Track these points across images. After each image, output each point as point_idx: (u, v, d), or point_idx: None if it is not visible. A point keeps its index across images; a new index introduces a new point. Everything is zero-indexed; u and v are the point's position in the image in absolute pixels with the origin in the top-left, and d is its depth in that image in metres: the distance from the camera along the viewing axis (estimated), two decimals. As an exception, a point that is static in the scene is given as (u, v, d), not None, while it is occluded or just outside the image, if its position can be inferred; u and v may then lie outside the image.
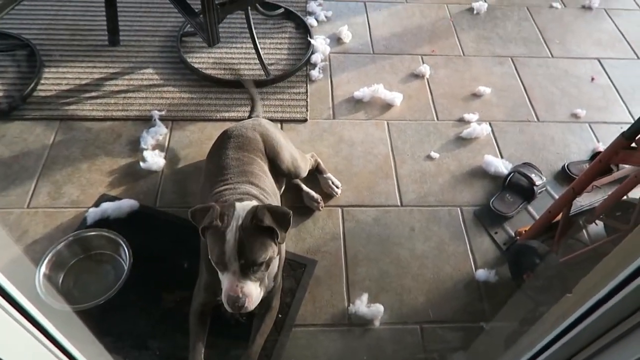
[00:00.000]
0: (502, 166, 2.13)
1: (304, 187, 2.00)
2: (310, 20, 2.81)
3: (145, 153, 2.11)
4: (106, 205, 1.90)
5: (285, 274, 1.76)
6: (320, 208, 1.98)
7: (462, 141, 2.28)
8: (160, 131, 2.23)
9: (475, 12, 2.97)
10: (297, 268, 1.81)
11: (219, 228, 1.34)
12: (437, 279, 1.81)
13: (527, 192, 2.03)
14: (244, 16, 2.46)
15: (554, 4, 3.08)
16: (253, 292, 1.36)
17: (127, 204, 1.92)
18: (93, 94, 2.39)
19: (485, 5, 2.98)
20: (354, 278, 1.80)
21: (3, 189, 2.01)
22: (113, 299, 1.62)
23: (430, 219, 1.99)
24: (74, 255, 1.78)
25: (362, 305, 1.70)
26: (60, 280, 1.73)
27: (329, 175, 2.04)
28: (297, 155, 1.93)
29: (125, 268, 1.69)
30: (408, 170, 2.16)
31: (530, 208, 2.03)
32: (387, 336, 1.66)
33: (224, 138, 1.82)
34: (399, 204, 2.04)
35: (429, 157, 2.21)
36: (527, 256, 1.75)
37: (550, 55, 2.74)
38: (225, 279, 1.36)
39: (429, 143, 2.26)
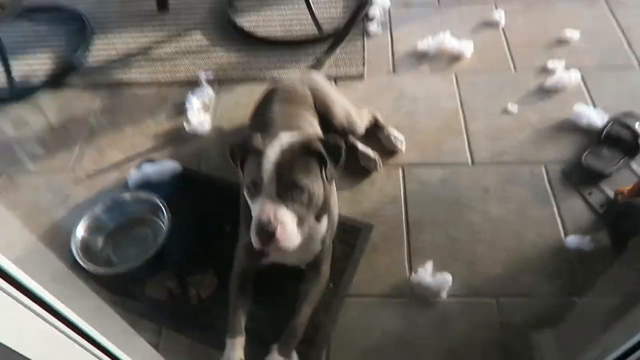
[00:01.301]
0: (596, 117, 1.79)
1: (360, 146, 1.77)
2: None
3: (190, 115, 1.98)
4: (147, 168, 1.78)
5: (337, 240, 1.55)
6: (379, 168, 1.74)
7: (545, 92, 1.95)
8: (207, 93, 2.09)
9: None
10: (351, 233, 1.59)
11: (259, 150, 1.18)
12: (518, 247, 1.52)
13: (629, 146, 1.67)
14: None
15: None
16: (288, 221, 1.14)
17: (170, 166, 1.79)
18: (140, 60, 2.30)
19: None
20: (417, 245, 1.56)
21: (48, 155, 1.95)
22: (151, 263, 1.49)
23: (508, 179, 1.70)
24: (113, 220, 1.67)
25: (426, 274, 1.45)
26: (100, 246, 1.63)
27: (390, 129, 1.81)
28: (352, 110, 1.71)
29: (164, 231, 1.55)
30: (480, 126, 1.87)
31: (633, 164, 1.67)
32: (455, 310, 1.41)
33: (270, 92, 1.65)
34: (469, 162, 1.76)
35: (506, 111, 1.90)
36: (632, 218, 1.43)
37: (653, -5, 2.31)
38: (257, 205, 1.16)
39: (505, 96, 1.95)
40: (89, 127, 2.04)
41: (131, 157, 1.89)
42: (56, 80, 2.23)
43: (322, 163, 1.20)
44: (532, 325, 1.35)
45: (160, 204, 1.62)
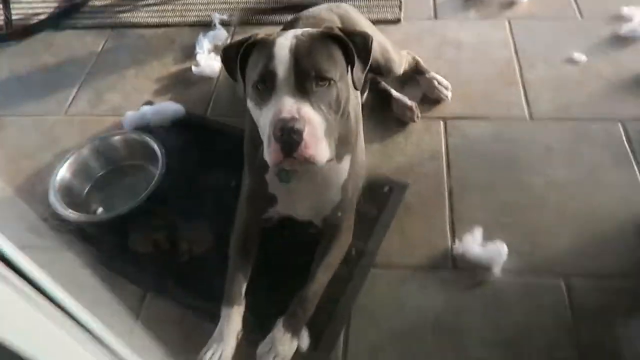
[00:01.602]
0: (688, 67, 1.46)
1: (394, 92, 1.49)
2: None
3: (199, 57, 1.73)
4: (146, 109, 1.54)
5: (363, 198, 1.27)
6: (416, 118, 1.46)
7: (620, 41, 1.63)
8: (220, 35, 1.83)
9: None
10: (380, 191, 1.32)
11: (267, 40, 0.94)
12: (592, 217, 1.22)
13: None
14: None
15: None
16: (314, 118, 0.88)
17: (171, 107, 1.54)
18: (149, 1, 2.05)
19: None
20: (462, 209, 1.27)
21: (42, 96, 1.73)
22: (137, 213, 1.24)
23: (576, 137, 1.39)
24: (102, 166, 1.43)
25: (474, 243, 1.17)
26: (85, 192, 1.39)
27: (433, 74, 1.52)
28: (389, 46, 1.42)
29: (155, 177, 1.30)
30: (539, 76, 1.56)
31: None
32: (511, 289, 1.12)
33: (292, 20, 1.38)
34: (526, 116, 1.46)
35: (571, 60, 1.59)
36: None
37: None
38: (272, 104, 0.90)
39: (570, 44, 1.63)
40: (88, 68, 1.80)
41: (131, 100, 1.65)
42: (57, 20, 2.02)
43: (348, 60, 0.97)
44: (614, 312, 1.05)
45: (156, 148, 1.37)
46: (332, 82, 0.91)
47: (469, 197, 1.29)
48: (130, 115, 1.53)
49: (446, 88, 1.50)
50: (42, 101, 1.71)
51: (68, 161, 1.36)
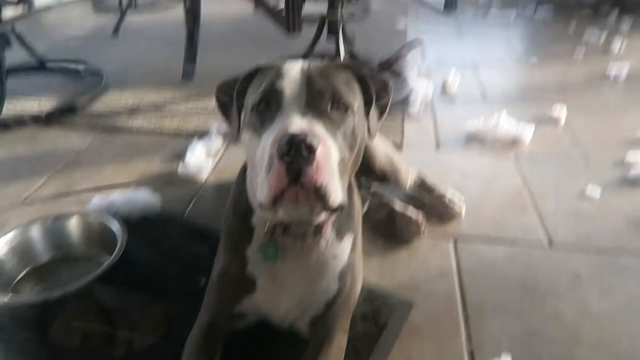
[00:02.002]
0: None
1: (397, 205, 1.35)
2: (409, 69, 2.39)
3: (189, 158, 1.62)
4: (115, 196, 1.36)
5: (358, 314, 1.04)
6: (422, 232, 1.29)
7: (631, 182, 1.56)
8: (215, 143, 1.75)
9: (612, 76, 2.42)
10: (379, 308, 1.08)
11: (272, 65, 0.79)
12: (637, 353, 0.98)
13: None
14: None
15: None
16: (328, 140, 0.69)
17: (144, 197, 1.37)
18: (149, 112, 2.03)
19: (626, 69, 2.43)
20: (482, 337, 1.02)
21: (5, 181, 1.56)
22: (72, 300, 0.98)
23: (606, 267, 1.21)
24: (48, 253, 1.20)
25: (500, 376, 0.90)
26: (20, 276, 1.14)
27: (443, 190, 1.40)
28: (396, 156, 1.34)
29: (104, 265, 1.07)
30: (553, 206, 1.44)
31: None
32: None
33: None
34: (545, 243, 1.30)
35: (584, 195, 1.49)
36: None
37: None
38: (276, 124, 0.70)
39: (580, 181, 1.56)
40: (65, 163, 1.67)
41: (102, 192, 1.48)
42: (49, 118, 1.96)
43: (366, 99, 0.83)
44: None
45: (117, 235, 1.16)
46: (349, 109, 0.75)
47: (488, 322, 1.05)
48: (97, 202, 1.35)
49: (459, 204, 1.37)
50: (5, 186, 1.54)
51: (6, 237, 1.13)
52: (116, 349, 0.89)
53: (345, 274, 0.89)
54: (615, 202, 1.46)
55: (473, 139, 1.82)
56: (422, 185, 1.41)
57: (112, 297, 1.02)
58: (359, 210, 0.98)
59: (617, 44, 2.82)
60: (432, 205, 1.39)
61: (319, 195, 0.67)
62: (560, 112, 1.96)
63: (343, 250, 0.88)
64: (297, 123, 0.67)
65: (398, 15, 3.41)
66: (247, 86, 0.82)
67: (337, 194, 0.69)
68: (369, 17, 3.43)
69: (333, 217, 0.84)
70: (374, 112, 0.83)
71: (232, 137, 0.85)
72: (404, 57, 2.29)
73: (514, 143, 1.79)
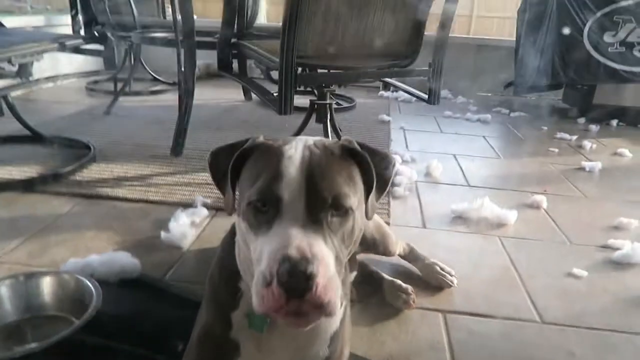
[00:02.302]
0: (698, 290, 1.36)
1: (386, 275, 1.32)
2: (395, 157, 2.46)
3: (172, 227, 1.58)
4: (93, 258, 1.31)
5: (347, 385, 0.97)
6: (412, 303, 1.25)
7: (615, 264, 1.57)
8: (200, 213, 1.73)
9: (587, 170, 2.54)
10: (369, 379, 1.01)
11: (271, 147, 0.76)
12: None
13: None
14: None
15: (684, 173, 2.59)
16: (327, 257, 0.65)
17: (123, 259, 1.31)
18: (134, 183, 2.02)
19: (599, 164, 2.55)
20: (477, 411, 0.95)
21: (-23, 243, 1.49)
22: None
23: (600, 345, 1.18)
24: (16, 313, 1.12)
25: None
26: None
27: (433, 260, 1.38)
28: (384, 225, 1.34)
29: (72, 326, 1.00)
30: (542, 284, 1.43)
31: None
32: None
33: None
34: (537, 319, 1.27)
35: (572, 275, 1.49)
36: None
37: None
38: (274, 233, 0.67)
39: (567, 262, 1.56)
40: (43, 226, 1.62)
41: (80, 253, 1.42)
42: (30, 185, 1.92)
43: (367, 182, 0.78)
44: None
45: (93, 295, 1.10)
46: (350, 210, 0.71)
47: (484, 398, 0.99)
48: (72, 264, 1.29)
49: (449, 274, 1.35)
50: (-24, 248, 1.47)
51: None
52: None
53: (336, 340, 0.84)
54: (602, 283, 1.45)
55: (458, 219, 1.84)
56: (412, 253, 1.40)
57: (83, 356, 0.93)
58: (348, 277, 0.95)
59: (588, 144, 2.98)
60: (424, 273, 1.38)
61: (319, 309, 0.64)
62: (541, 199, 2.01)
63: (335, 317, 0.83)
64: (296, 242, 0.64)
65: (381, 110, 3.59)
66: (243, 163, 0.78)
67: (337, 302, 0.65)
68: (354, 109, 3.60)
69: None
70: (374, 194, 0.78)
71: (226, 208, 0.79)
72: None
73: (498, 224, 1.81)
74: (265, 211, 0.69)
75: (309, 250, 0.63)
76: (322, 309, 0.64)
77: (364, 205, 0.77)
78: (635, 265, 1.56)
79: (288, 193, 0.68)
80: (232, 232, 0.87)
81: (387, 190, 0.83)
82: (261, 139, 0.79)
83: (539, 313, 1.29)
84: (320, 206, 0.68)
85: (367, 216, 0.78)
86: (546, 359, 1.12)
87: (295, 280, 0.61)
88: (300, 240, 0.64)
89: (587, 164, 2.56)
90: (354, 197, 0.72)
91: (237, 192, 0.78)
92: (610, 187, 2.31)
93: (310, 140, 0.77)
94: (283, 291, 0.62)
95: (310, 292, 0.62)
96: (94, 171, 2.11)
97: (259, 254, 0.68)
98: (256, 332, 0.80)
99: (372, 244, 1.27)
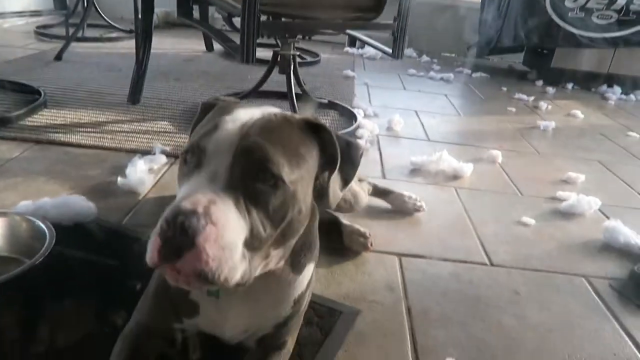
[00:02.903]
0: (633, 236, 1.45)
1: (344, 221, 1.34)
2: (357, 112, 2.47)
3: (129, 171, 1.55)
4: (45, 200, 1.27)
5: (304, 321, 0.99)
6: (370, 246, 1.28)
7: (563, 214, 1.65)
8: (158, 160, 1.70)
9: (542, 128, 2.62)
10: (325, 315, 1.04)
11: (227, 106, 0.71)
12: (579, 363, 1.00)
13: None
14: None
15: (630, 134, 2.72)
16: (229, 227, 0.59)
17: (78, 203, 1.28)
18: (89, 129, 1.95)
19: (553, 124, 2.64)
20: (427, 342, 1.01)
21: None
22: None
23: (543, 285, 1.25)
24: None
25: (447, 377, 0.88)
26: None
27: (400, 191, 1.51)
28: (355, 186, 1.36)
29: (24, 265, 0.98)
30: (493, 231, 1.49)
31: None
32: None
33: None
34: (487, 262, 1.33)
35: (521, 223, 1.56)
36: None
37: (647, 165, 2.25)
38: (186, 186, 0.62)
39: (517, 211, 1.63)
40: (-10, 170, 1.55)
41: (30, 198, 1.37)
42: (-24, 130, 1.82)
43: (328, 162, 0.72)
44: None
45: (45, 232, 1.07)
46: (280, 182, 0.63)
47: (433, 331, 1.04)
48: (23, 206, 1.25)
49: (417, 200, 1.49)
50: None
51: None
52: (36, 345, 0.79)
53: (301, 299, 0.84)
54: (548, 230, 1.53)
55: (417, 171, 1.88)
56: (378, 190, 1.49)
57: (34, 296, 0.92)
58: (316, 240, 0.88)
59: (544, 105, 3.07)
60: (395, 205, 1.51)
61: (198, 279, 0.57)
62: (497, 154, 2.08)
63: (302, 282, 0.82)
64: (196, 195, 0.59)
65: (346, 66, 3.56)
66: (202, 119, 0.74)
67: (229, 276, 0.59)
68: (319, 64, 3.56)
69: (287, 256, 0.76)
70: (336, 177, 0.73)
71: None
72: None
73: (454, 176, 1.86)
74: (190, 164, 0.65)
75: (203, 206, 0.57)
76: (199, 275, 0.57)
77: (310, 188, 0.71)
78: (579, 215, 1.64)
79: (213, 146, 0.63)
80: None
81: (350, 182, 0.77)
82: (228, 99, 0.77)
83: (489, 256, 1.35)
84: (244, 167, 0.62)
85: (328, 203, 0.74)
86: (493, 296, 1.18)
87: (171, 231, 0.56)
88: (202, 195, 0.59)
89: (542, 123, 2.64)
90: (292, 171, 0.65)
91: None
92: (562, 145, 2.40)
93: (277, 110, 0.72)
94: (159, 244, 0.57)
95: (187, 251, 0.56)
96: (45, 117, 2.02)
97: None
98: (213, 297, 0.76)
99: (343, 205, 1.29)
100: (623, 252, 1.43)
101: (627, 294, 1.22)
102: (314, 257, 0.85)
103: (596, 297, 1.22)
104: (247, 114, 0.68)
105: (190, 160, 0.64)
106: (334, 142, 0.71)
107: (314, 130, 0.71)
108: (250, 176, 0.62)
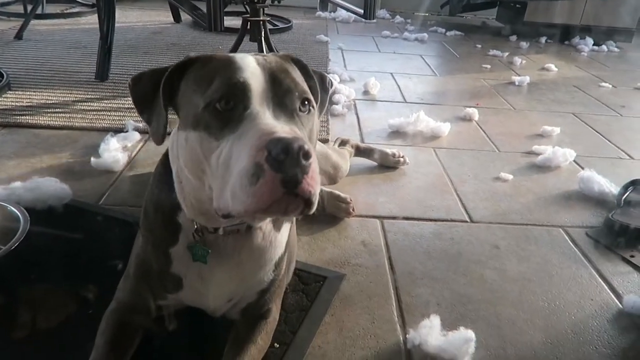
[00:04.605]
0: (607, 185, 1.48)
1: (325, 188, 1.34)
2: (332, 77, 2.44)
3: (102, 150, 1.51)
4: (17, 184, 1.23)
5: (289, 288, 1.01)
6: (351, 211, 1.29)
7: (538, 168, 1.68)
8: (132, 137, 1.66)
9: (517, 84, 2.63)
10: (310, 282, 1.05)
11: (215, 56, 0.69)
12: (558, 309, 1.03)
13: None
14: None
15: (603, 84, 2.75)
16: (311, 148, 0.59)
17: (51, 186, 1.25)
18: (57, 110, 1.89)
19: (528, 79, 2.65)
20: (411, 300, 1.03)
21: None
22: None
23: (521, 238, 1.28)
24: None
25: (432, 332, 0.90)
26: None
27: (381, 148, 1.58)
28: (330, 151, 1.35)
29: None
30: (472, 189, 1.51)
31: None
32: (488, 391, 0.83)
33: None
34: (467, 219, 1.35)
35: (499, 179, 1.58)
36: None
37: (619, 115, 2.29)
38: (246, 126, 0.60)
39: (495, 168, 1.65)
40: (-44, 157, 1.50)
41: (1, 183, 1.33)
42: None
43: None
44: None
45: (18, 217, 1.04)
46: (312, 109, 0.68)
47: (417, 289, 1.06)
48: (-4, 191, 1.21)
49: (400, 155, 1.57)
50: None
51: None
52: (17, 331, 0.78)
53: (281, 261, 0.84)
54: (526, 184, 1.55)
55: (395, 134, 1.88)
56: (360, 150, 1.55)
57: (14, 281, 0.90)
58: None
59: (519, 60, 3.07)
60: (380, 161, 1.58)
61: (307, 203, 0.59)
62: (473, 112, 2.08)
63: (280, 241, 0.83)
64: (279, 126, 0.59)
65: (319, 31, 3.50)
66: (179, 79, 0.70)
67: (317, 199, 0.61)
68: (291, 30, 3.49)
69: None
70: (317, 108, 0.74)
71: (156, 136, 0.71)
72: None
73: (432, 137, 1.86)
74: (230, 107, 0.62)
75: (296, 134, 0.58)
76: (309, 202, 0.59)
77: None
78: (555, 167, 1.67)
79: (255, 82, 0.63)
80: (163, 166, 0.80)
81: (324, 109, 0.81)
82: (205, 54, 0.71)
83: (469, 214, 1.37)
84: (289, 98, 0.64)
85: (321, 109, 0.79)
86: (474, 252, 1.20)
87: (290, 160, 0.55)
88: (285, 127, 0.59)
89: (516, 79, 2.65)
90: (309, 91, 0.69)
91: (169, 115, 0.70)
92: (537, 100, 2.42)
93: (252, 53, 0.72)
94: (279, 177, 0.55)
95: (307, 176, 0.57)
96: (9, 99, 1.94)
97: (226, 156, 0.60)
98: (198, 264, 0.77)
99: (327, 178, 1.29)
100: (598, 200, 1.47)
101: (603, 242, 1.26)
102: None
103: (573, 246, 1.25)
104: (250, 58, 0.67)
105: (232, 104, 0.62)
106: (312, 74, 0.76)
107: (296, 65, 0.75)
108: (295, 107, 0.65)
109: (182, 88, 0.70)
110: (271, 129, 0.58)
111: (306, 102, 0.66)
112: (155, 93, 0.70)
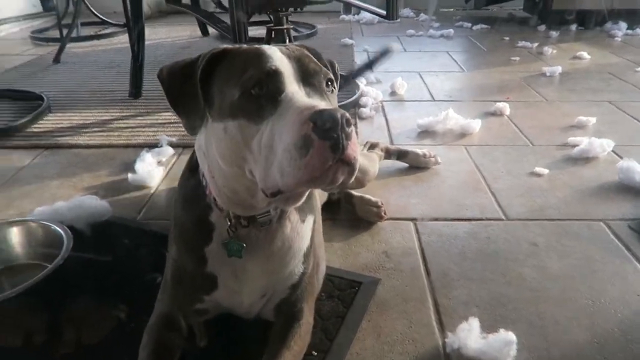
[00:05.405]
0: (649, 174, 1.43)
1: (355, 193, 1.34)
2: (359, 80, 2.44)
3: (138, 166, 1.56)
4: (60, 204, 1.29)
5: (325, 294, 1.01)
6: (383, 215, 1.28)
7: (575, 160, 1.63)
8: (166, 152, 1.71)
9: (548, 74, 2.56)
10: (345, 288, 1.05)
11: (243, 48, 0.73)
12: (602, 306, 1.00)
13: None
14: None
15: (639, 69, 2.65)
16: None
17: (92, 203, 1.30)
18: (95, 129, 1.96)
19: (559, 68, 2.58)
20: (448, 303, 1.02)
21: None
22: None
23: (560, 234, 1.25)
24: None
25: (471, 335, 0.89)
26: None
27: (414, 149, 1.58)
28: (364, 162, 1.35)
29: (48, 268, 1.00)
30: (506, 185, 1.48)
31: None
32: (532, 394, 0.81)
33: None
34: (502, 217, 1.32)
35: (534, 174, 1.54)
36: None
37: (660, 100, 2.20)
38: (287, 106, 0.64)
39: (529, 162, 1.62)
40: (4, 180, 1.57)
41: (45, 203, 1.39)
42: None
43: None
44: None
45: (62, 236, 1.09)
46: (334, 89, 0.75)
47: (454, 291, 1.05)
48: (40, 211, 1.27)
49: (431, 155, 1.56)
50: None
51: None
52: (63, 347, 0.82)
53: (309, 255, 0.86)
54: (562, 178, 1.52)
55: (425, 133, 1.86)
56: (391, 153, 1.55)
57: (59, 299, 0.94)
58: (315, 193, 0.95)
59: (549, 50, 3.00)
60: (413, 163, 1.58)
61: (351, 169, 0.64)
62: (504, 107, 2.04)
63: (306, 231, 0.85)
64: (316, 101, 0.65)
65: (343, 34, 3.51)
66: (213, 70, 0.72)
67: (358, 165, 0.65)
68: (315, 35, 3.51)
69: None
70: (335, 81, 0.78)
71: (192, 126, 0.73)
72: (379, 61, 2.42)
73: (463, 134, 1.84)
74: (266, 92, 0.66)
75: (332, 106, 0.66)
76: (352, 168, 0.63)
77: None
78: (592, 159, 1.62)
79: (285, 67, 0.68)
80: (189, 170, 0.83)
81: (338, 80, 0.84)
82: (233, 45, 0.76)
83: (504, 211, 1.35)
84: (317, 78, 0.70)
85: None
86: (511, 250, 1.18)
87: (335, 128, 0.59)
88: (322, 103, 0.65)
89: (547, 69, 2.58)
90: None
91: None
92: (570, 90, 2.35)
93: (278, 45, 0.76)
94: (328, 144, 0.60)
95: (350, 142, 0.61)
96: (50, 122, 2.03)
97: (268, 138, 0.64)
98: (232, 261, 0.79)
99: (355, 182, 1.28)
100: (639, 191, 1.41)
101: (648, 234, 1.21)
102: (313, 209, 0.88)
103: (615, 240, 1.21)
104: (275, 48, 0.72)
105: (267, 89, 0.66)
106: (325, 62, 0.80)
107: (310, 53, 0.78)
108: (322, 87, 0.71)
109: (215, 81, 0.72)
110: (311, 103, 0.64)
111: (329, 83, 0.72)
112: (188, 83, 0.72)
